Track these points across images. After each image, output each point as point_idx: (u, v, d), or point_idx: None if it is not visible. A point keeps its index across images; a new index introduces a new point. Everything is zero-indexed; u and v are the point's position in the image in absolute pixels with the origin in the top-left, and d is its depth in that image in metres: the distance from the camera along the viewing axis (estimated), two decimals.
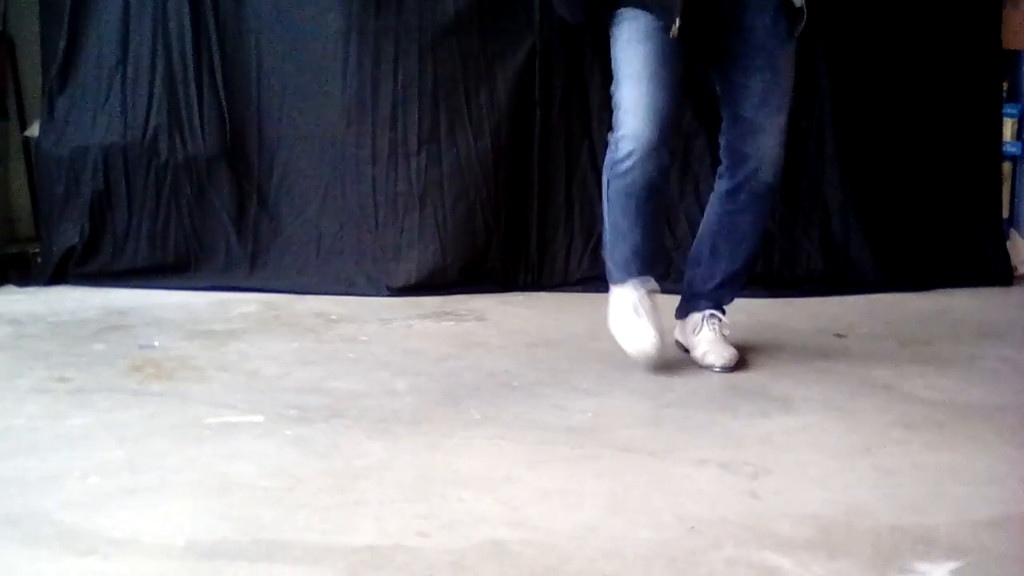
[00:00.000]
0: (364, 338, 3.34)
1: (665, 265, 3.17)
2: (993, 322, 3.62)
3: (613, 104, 2.88)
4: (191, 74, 3.97)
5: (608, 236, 3.00)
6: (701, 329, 3.06)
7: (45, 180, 4.06)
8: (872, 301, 3.87)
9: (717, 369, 2.97)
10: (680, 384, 2.88)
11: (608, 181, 2.92)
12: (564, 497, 2.16)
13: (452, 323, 3.54)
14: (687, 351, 3.10)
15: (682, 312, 3.14)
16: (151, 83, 3.98)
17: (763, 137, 2.90)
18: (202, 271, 3.99)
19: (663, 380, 2.90)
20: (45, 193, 4.08)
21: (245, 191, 4.02)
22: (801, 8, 2.84)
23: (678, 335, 3.15)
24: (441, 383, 2.88)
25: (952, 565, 1.88)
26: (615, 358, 3.01)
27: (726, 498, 2.16)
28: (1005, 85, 4.31)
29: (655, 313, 2.93)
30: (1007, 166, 4.36)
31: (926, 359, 3.15)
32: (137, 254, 3.99)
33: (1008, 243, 4.26)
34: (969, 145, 4.21)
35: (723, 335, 3.06)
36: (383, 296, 3.86)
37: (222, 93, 3.99)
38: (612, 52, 2.89)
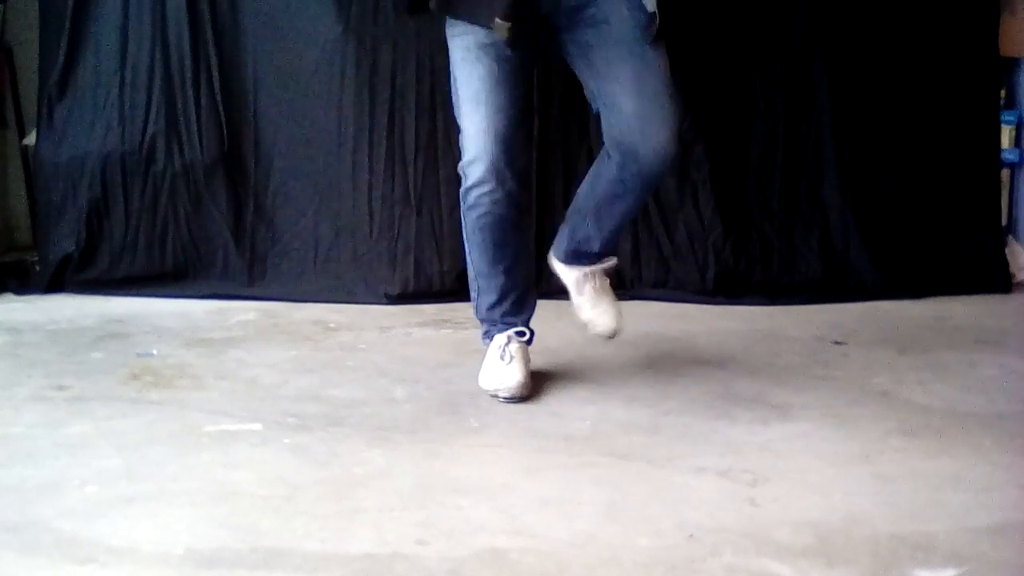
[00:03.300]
0: (363, 346, 3.34)
1: (532, 310, 2.94)
2: (992, 329, 3.62)
3: (459, 130, 2.77)
4: (189, 82, 3.97)
5: (472, 285, 2.89)
6: (584, 290, 2.88)
7: (43, 188, 4.05)
8: (871, 308, 3.87)
9: (601, 330, 2.87)
10: (679, 392, 2.87)
11: (464, 217, 2.80)
12: (563, 505, 2.16)
13: (451, 331, 3.54)
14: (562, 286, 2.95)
15: (561, 254, 2.92)
16: (149, 91, 3.98)
17: (649, 127, 2.64)
18: (200, 279, 3.99)
19: (661, 388, 2.90)
20: (43, 201, 4.07)
21: (243, 199, 4.02)
22: (653, 13, 2.63)
23: (555, 268, 2.95)
24: (440, 391, 2.88)
25: (951, 572, 1.88)
26: (613, 366, 3.02)
27: (725, 506, 2.16)
28: (1003, 92, 4.31)
29: (525, 360, 2.82)
30: (1005, 173, 4.36)
31: (925, 366, 3.15)
32: (135, 262, 3.99)
33: (1007, 250, 4.26)
34: (967, 152, 4.21)
35: (604, 289, 2.90)
36: (381, 304, 3.86)
37: (220, 101, 3.98)
38: (450, 68, 2.78)
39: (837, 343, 3.40)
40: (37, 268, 4.07)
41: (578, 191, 2.89)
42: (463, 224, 2.82)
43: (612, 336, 2.88)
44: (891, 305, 3.90)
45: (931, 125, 4.17)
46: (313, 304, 3.81)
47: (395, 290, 3.92)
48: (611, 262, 2.89)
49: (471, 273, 2.88)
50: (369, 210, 3.98)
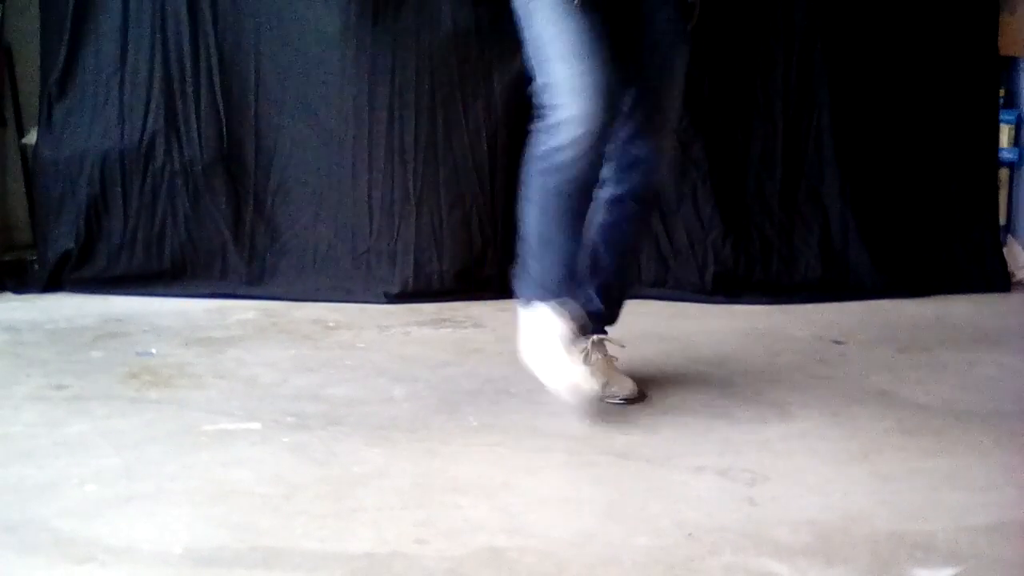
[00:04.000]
0: (362, 345, 3.34)
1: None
2: (991, 328, 3.62)
3: (540, 88, 2.52)
4: (189, 80, 3.97)
5: (529, 246, 2.63)
6: (591, 357, 2.72)
7: (42, 187, 4.05)
8: (870, 307, 3.87)
9: (619, 401, 2.72)
10: (677, 391, 2.87)
11: (533, 179, 2.55)
12: (562, 504, 2.16)
13: (450, 330, 3.54)
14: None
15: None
16: (149, 89, 3.97)
17: (657, 140, 2.63)
18: (199, 278, 3.98)
19: (660, 387, 2.89)
20: (42, 200, 4.07)
21: (242, 198, 4.01)
22: (693, 3, 2.58)
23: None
24: (439, 390, 2.88)
25: (950, 571, 1.88)
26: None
27: (724, 505, 2.16)
28: (1002, 91, 4.32)
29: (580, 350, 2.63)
30: (1004, 172, 4.37)
31: (924, 365, 3.15)
32: (134, 261, 3.98)
33: (1005, 249, 4.26)
34: (966, 151, 4.21)
35: (614, 360, 2.78)
36: (381, 303, 3.86)
37: (219, 99, 3.98)
38: (528, 30, 2.52)
39: (836, 342, 3.40)
40: (36, 267, 4.07)
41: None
42: (531, 186, 2.56)
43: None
44: (890, 304, 3.90)
45: (930, 124, 4.17)
46: (312, 303, 3.80)
47: (394, 289, 3.92)
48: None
49: (525, 235, 2.62)
50: (369, 209, 3.97)
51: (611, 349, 2.80)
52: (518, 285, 2.68)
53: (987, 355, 3.26)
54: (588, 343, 2.72)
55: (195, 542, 1.95)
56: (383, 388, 2.89)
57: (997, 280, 4.17)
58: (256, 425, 2.58)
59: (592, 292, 2.75)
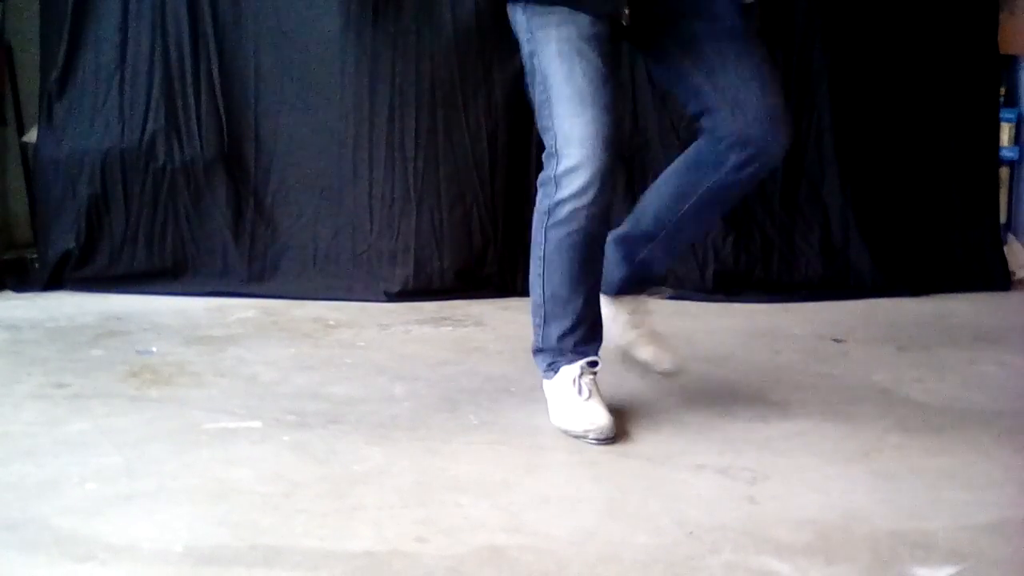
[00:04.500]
0: (362, 343, 3.34)
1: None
2: (991, 327, 3.62)
3: (545, 133, 2.47)
4: (189, 79, 3.97)
5: (539, 312, 2.58)
6: (643, 320, 2.70)
7: (42, 185, 4.05)
8: (870, 306, 3.87)
9: (667, 367, 2.68)
10: (678, 389, 2.87)
11: (545, 236, 2.50)
12: (562, 502, 2.16)
13: (450, 328, 3.54)
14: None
15: (616, 288, 2.70)
16: (149, 88, 3.98)
17: (778, 122, 2.50)
18: (200, 276, 3.98)
19: (660, 385, 2.89)
20: (42, 198, 4.07)
21: (242, 196, 4.02)
22: (753, 3, 2.49)
23: (608, 307, 2.69)
24: (439, 388, 2.88)
25: (950, 570, 1.88)
26: (613, 363, 3.01)
27: (724, 503, 2.16)
28: (1002, 90, 4.32)
29: (599, 393, 2.56)
30: (1004, 171, 4.37)
31: (924, 364, 3.15)
32: (134, 259, 3.99)
33: (1005, 248, 4.27)
34: (967, 150, 4.21)
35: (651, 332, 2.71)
36: (381, 301, 3.86)
37: (220, 98, 3.98)
38: (536, 63, 2.45)
39: (837, 341, 3.40)
40: (36, 265, 4.07)
41: (643, 210, 2.66)
42: (541, 242, 2.52)
43: (676, 372, 2.68)
44: (890, 303, 3.90)
45: (931, 123, 4.17)
46: (313, 302, 3.81)
47: (395, 288, 3.92)
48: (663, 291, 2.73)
49: (538, 299, 2.57)
50: (369, 208, 3.98)
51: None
52: (538, 360, 2.64)
53: (987, 353, 3.26)
54: (640, 303, 2.70)
55: (195, 540, 1.95)
56: (383, 386, 2.89)
57: (997, 278, 4.17)
58: (256, 423, 2.58)
59: (668, 249, 2.67)
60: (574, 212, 2.43)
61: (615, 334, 2.70)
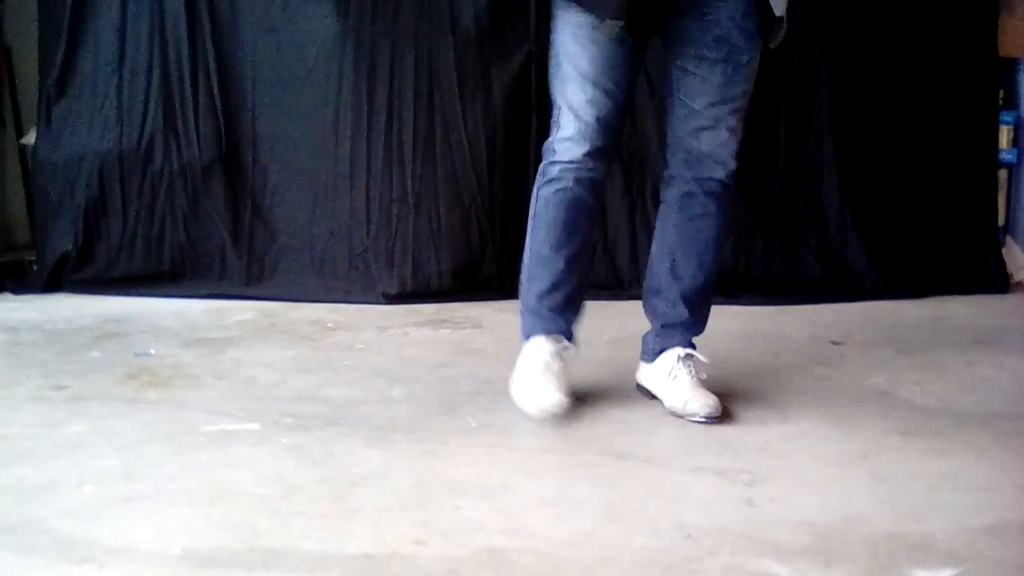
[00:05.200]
0: (360, 346, 3.34)
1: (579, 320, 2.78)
2: (989, 329, 3.62)
3: (552, 104, 2.69)
4: (187, 81, 3.97)
5: (525, 271, 2.74)
6: (677, 374, 2.70)
7: (41, 187, 4.05)
8: (869, 308, 3.87)
9: (701, 419, 2.61)
10: None
11: (537, 195, 2.69)
12: (560, 505, 2.16)
13: (448, 330, 3.54)
14: (652, 397, 2.76)
15: (649, 353, 2.78)
16: (147, 90, 3.98)
17: (719, 135, 2.65)
18: (198, 279, 3.98)
19: None
20: (41, 200, 4.07)
21: (240, 198, 4.02)
22: (781, 17, 2.66)
23: (644, 380, 2.79)
24: (437, 391, 2.87)
25: (948, 572, 1.88)
26: (611, 366, 3.01)
27: (723, 506, 2.16)
28: (1001, 93, 4.32)
29: (564, 377, 2.65)
30: (1003, 173, 4.37)
31: (923, 366, 3.15)
32: (132, 261, 3.98)
33: (1004, 250, 4.27)
34: (965, 152, 4.22)
35: (701, 380, 2.70)
36: (379, 304, 3.86)
37: (218, 100, 3.98)
38: (553, 43, 2.66)
39: (835, 343, 3.40)
40: (34, 267, 4.07)
41: (649, 268, 2.82)
42: (533, 201, 2.70)
43: (717, 417, 2.63)
44: (889, 305, 3.90)
45: (930, 125, 4.18)
46: (311, 304, 3.80)
47: (393, 290, 3.92)
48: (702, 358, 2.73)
49: (526, 257, 2.73)
50: (367, 209, 3.98)
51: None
52: (521, 325, 2.76)
53: (986, 356, 3.27)
54: (675, 358, 2.71)
55: (194, 543, 1.95)
56: (382, 389, 2.89)
57: (996, 281, 4.17)
58: (255, 426, 2.57)
59: (676, 299, 2.74)
60: (562, 171, 2.64)
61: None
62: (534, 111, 3.99)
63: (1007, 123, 4.35)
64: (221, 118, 3.99)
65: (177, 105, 3.98)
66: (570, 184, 2.64)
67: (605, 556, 1.93)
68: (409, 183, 3.96)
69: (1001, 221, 4.33)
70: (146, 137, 3.97)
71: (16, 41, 4.36)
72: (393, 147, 3.96)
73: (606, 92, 2.59)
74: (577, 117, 2.61)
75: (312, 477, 2.27)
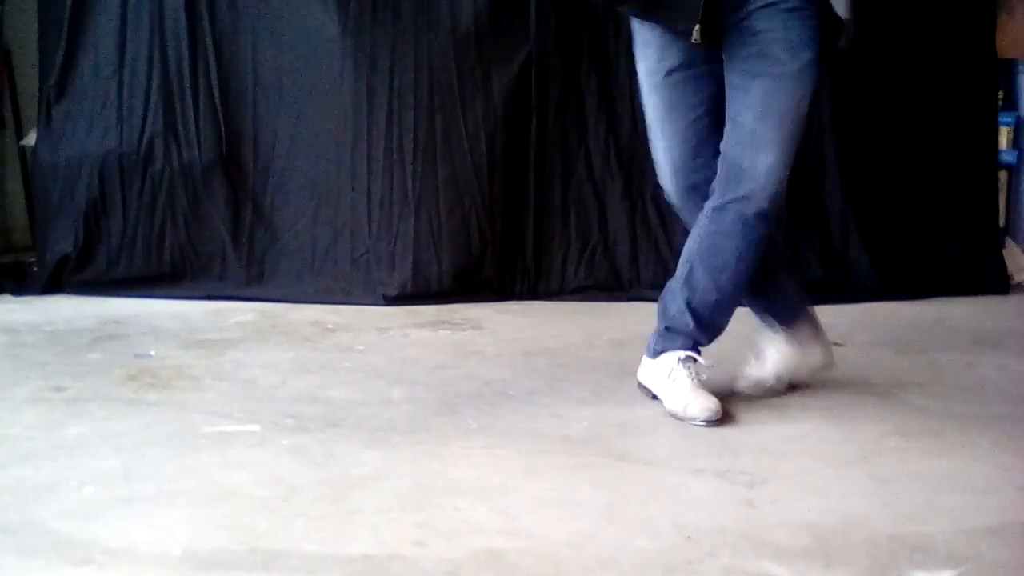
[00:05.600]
0: (360, 347, 3.34)
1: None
2: (990, 330, 3.62)
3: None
4: (187, 83, 3.97)
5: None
6: (677, 376, 2.70)
7: (41, 189, 4.06)
8: (870, 309, 3.87)
9: (700, 423, 2.61)
10: None
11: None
12: (560, 506, 2.16)
13: (448, 332, 3.54)
14: (653, 396, 2.76)
15: (651, 351, 2.78)
16: (147, 92, 3.98)
17: (763, 155, 2.64)
18: (198, 280, 3.99)
19: None
20: (41, 202, 4.07)
21: (241, 200, 4.02)
22: (849, 20, 2.57)
23: (644, 378, 2.80)
24: (437, 392, 2.87)
25: (949, 574, 1.88)
26: (611, 367, 3.01)
27: (723, 507, 2.15)
28: (1000, 94, 4.32)
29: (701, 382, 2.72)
30: (1003, 175, 4.37)
31: (923, 367, 3.15)
32: (133, 263, 3.99)
33: (1004, 251, 4.27)
34: (965, 154, 4.22)
35: (701, 381, 2.71)
36: (379, 305, 3.86)
37: (218, 101, 3.99)
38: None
39: (836, 344, 3.39)
40: (35, 269, 4.07)
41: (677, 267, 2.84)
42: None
43: (717, 421, 2.64)
44: (889, 306, 3.91)
45: (930, 127, 4.18)
46: (311, 305, 3.81)
47: (393, 291, 3.92)
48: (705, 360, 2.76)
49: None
50: (367, 211, 3.98)
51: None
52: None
53: (986, 357, 3.27)
54: (675, 359, 2.72)
55: (194, 544, 1.95)
56: (382, 390, 2.89)
57: (996, 282, 4.18)
58: (255, 427, 2.57)
59: (684, 308, 2.74)
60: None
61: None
62: (534, 111, 4.00)
63: (1007, 124, 4.35)
64: (221, 119, 3.99)
65: (177, 106, 3.99)
66: (685, 217, 2.83)
67: (605, 557, 1.93)
68: (409, 184, 3.97)
69: (1001, 222, 4.34)
70: (146, 138, 3.97)
71: (16, 42, 4.37)
72: (393, 148, 3.96)
73: (672, 137, 2.71)
74: (659, 168, 2.77)
75: (312, 478, 2.27)
